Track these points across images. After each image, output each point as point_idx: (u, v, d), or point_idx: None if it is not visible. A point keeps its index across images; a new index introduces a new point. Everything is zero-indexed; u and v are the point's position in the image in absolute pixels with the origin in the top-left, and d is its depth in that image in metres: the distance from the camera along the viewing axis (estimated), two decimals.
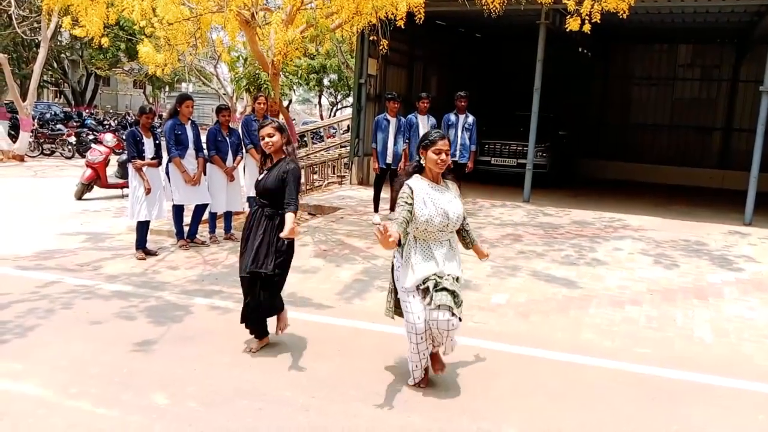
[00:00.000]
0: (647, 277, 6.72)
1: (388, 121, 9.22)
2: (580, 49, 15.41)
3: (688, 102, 17.45)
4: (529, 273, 6.69)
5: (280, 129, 4.46)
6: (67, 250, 7.27)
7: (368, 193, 10.93)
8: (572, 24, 7.85)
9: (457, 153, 9.72)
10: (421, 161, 3.92)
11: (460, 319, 3.78)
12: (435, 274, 3.78)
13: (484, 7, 8.19)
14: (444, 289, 3.72)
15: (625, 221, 10.01)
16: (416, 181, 3.89)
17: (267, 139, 4.41)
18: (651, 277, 6.73)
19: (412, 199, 3.78)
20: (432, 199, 3.81)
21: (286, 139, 4.48)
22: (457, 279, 3.89)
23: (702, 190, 15.19)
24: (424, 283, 3.78)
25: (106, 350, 4.42)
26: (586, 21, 7.71)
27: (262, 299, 4.38)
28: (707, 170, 16.63)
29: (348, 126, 16.87)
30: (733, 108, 16.88)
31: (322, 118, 37.20)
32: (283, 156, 4.47)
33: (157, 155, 7.13)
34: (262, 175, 4.51)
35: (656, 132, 17.77)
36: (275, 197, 4.38)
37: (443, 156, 3.84)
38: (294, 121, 13.64)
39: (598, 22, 7.70)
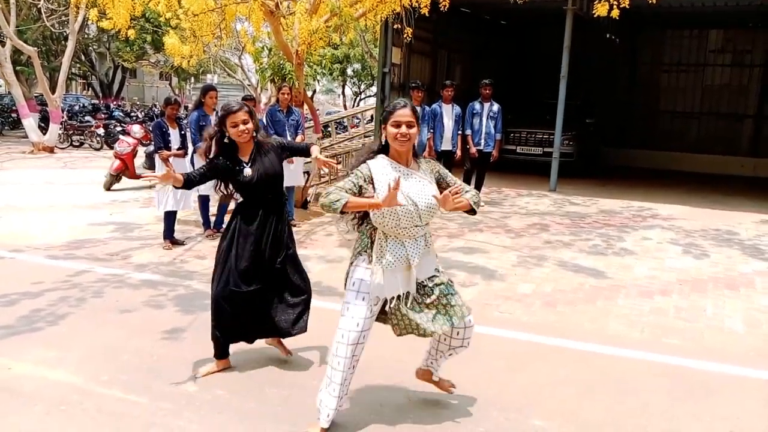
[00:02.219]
0: (677, 267, 6.62)
1: None
2: (607, 35, 15.15)
3: (719, 88, 17.08)
4: (555, 263, 6.63)
5: (251, 113, 3.83)
6: (97, 240, 7.39)
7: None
8: (600, 9, 7.72)
9: (482, 142, 9.65)
10: (381, 138, 3.19)
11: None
12: (408, 296, 3.14)
13: None
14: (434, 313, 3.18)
15: (654, 210, 9.86)
16: (378, 161, 3.16)
17: (243, 127, 3.76)
18: (680, 267, 6.62)
19: (369, 180, 3.08)
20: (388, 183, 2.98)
21: (255, 125, 3.88)
22: (434, 282, 3.21)
23: (733, 179, 14.89)
24: (390, 300, 3.14)
25: (136, 338, 4.49)
26: (615, 6, 7.58)
27: (301, 284, 4.04)
28: (739, 158, 16.29)
29: (371, 116, 16.83)
30: (765, 94, 16.48)
31: (345, 108, 37.21)
32: (254, 144, 3.89)
33: (183, 146, 7.20)
34: (248, 171, 3.82)
35: (686, 119, 17.44)
36: (277, 183, 3.95)
37: (403, 129, 3.07)
38: (318, 112, 13.65)
39: (627, 7, 7.56)
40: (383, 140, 3.19)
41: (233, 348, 4.30)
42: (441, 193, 3.09)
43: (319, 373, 3.95)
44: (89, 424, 3.34)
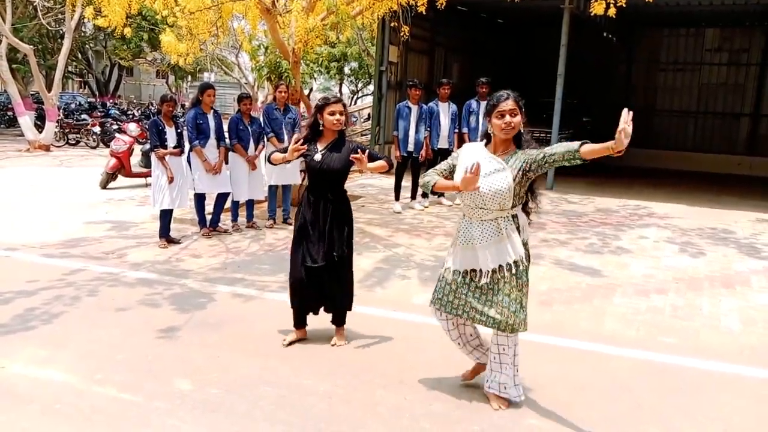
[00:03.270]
0: (673, 265, 6.62)
1: (410, 109, 9.17)
2: (604, 34, 15.17)
3: (716, 87, 17.10)
4: (552, 261, 6.63)
5: (345, 106, 4.28)
6: (93, 238, 7.37)
7: (389, 181, 10.91)
8: (597, 8, 7.72)
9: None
10: (488, 130, 3.43)
11: (513, 330, 3.37)
12: (465, 271, 3.41)
13: None
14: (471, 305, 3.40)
15: (651, 209, 9.88)
16: (471, 147, 3.50)
17: (338, 116, 4.17)
18: (677, 265, 6.63)
19: (455, 163, 3.46)
20: (467, 165, 3.26)
21: (346, 119, 4.29)
22: (502, 269, 3.36)
23: (730, 177, 14.92)
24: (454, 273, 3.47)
25: (131, 337, 4.48)
26: (611, 5, 7.58)
27: (342, 289, 4.33)
28: (735, 156, 16.33)
29: (368, 114, 16.83)
30: (762, 93, 16.51)
31: None
32: (338, 137, 4.27)
33: (179, 144, 7.17)
34: (318, 156, 4.21)
35: (682, 118, 17.48)
36: (340, 178, 4.30)
37: (507, 118, 3.28)
38: None
39: (624, 6, 7.57)
40: (489, 131, 3.40)
41: (230, 349, 4.30)
42: (523, 177, 3.31)
43: (315, 373, 3.95)
44: (83, 423, 3.33)
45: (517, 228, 3.41)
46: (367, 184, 11.72)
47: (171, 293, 5.47)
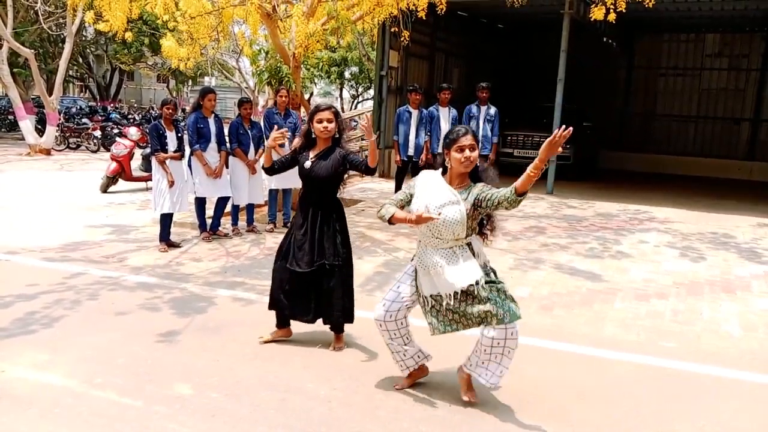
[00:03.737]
0: (673, 270, 6.62)
1: (410, 114, 9.19)
2: (604, 39, 15.19)
3: (716, 92, 17.12)
4: (552, 266, 6.63)
5: (337, 114, 4.28)
6: (93, 242, 7.37)
7: (389, 185, 10.93)
8: (597, 13, 7.73)
9: (479, 145, 9.65)
10: (445, 162, 3.49)
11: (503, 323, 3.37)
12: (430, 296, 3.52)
13: None
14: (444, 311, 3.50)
15: (651, 213, 9.87)
16: (429, 175, 3.57)
17: (326, 124, 4.19)
18: (677, 270, 6.63)
19: (411, 192, 3.57)
20: (425, 197, 3.45)
21: (339, 127, 4.31)
22: (465, 291, 3.42)
23: (730, 182, 14.92)
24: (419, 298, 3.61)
25: (131, 341, 4.48)
26: (611, 10, 7.59)
27: (336, 300, 4.29)
28: (735, 161, 16.34)
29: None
30: (762, 98, 16.53)
31: (343, 111, 37.20)
32: (331, 145, 4.30)
33: (180, 148, 7.18)
34: (308, 163, 4.27)
35: (683, 123, 17.49)
36: (327, 186, 4.30)
37: (466, 153, 3.36)
38: None
39: (623, 11, 7.57)
40: (447, 164, 3.47)
41: (230, 353, 4.30)
42: (474, 211, 3.40)
43: (315, 377, 3.95)
44: (83, 426, 3.32)
45: (473, 254, 3.51)
46: (368, 188, 11.73)
47: (171, 297, 5.47)
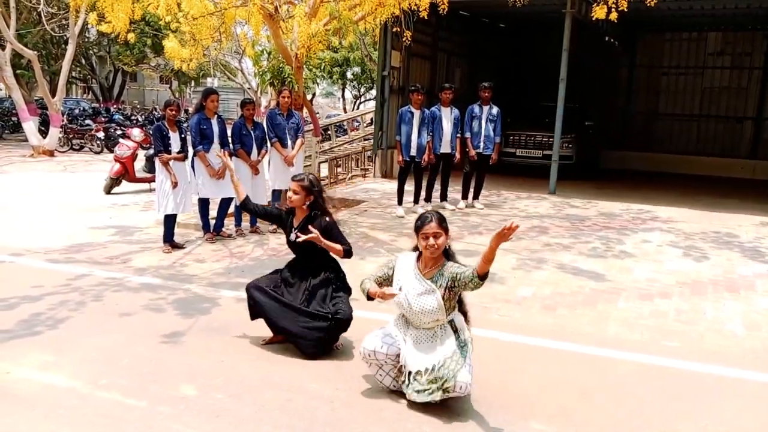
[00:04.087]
0: (676, 269, 6.62)
1: (412, 114, 9.18)
2: (606, 38, 15.17)
3: (718, 91, 17.09)
4: (555, 266, 6.63)
5: (305, 187, 4.31)
6: (97, 244, 7.39)
7: (392, 185, 10.93)
8: (598, 12, 7.72)
9: (482, 145, 9.67)
10: (419, 246, 3.63)
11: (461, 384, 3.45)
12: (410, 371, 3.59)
13: None
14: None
15: (654, 213, 9.87)
16: (406, 259, 3.71)
17: (291, 195, 4.34)
18: (680, 269, 6.62)
19: (392, 271, 3.73)
20: (405, 284, 3.60)
21: (313, 198, 4.34)
22: (433, 369, 3.50)
23: (733, 181, 14.90)
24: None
25: (136, 342, 4.49)
26: (613, 9, 7.58)
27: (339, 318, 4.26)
28: (738, 160, 16.31)
29: (371, 119, 16.87)
30: (764, 97, 16.49)
31: (345, 111, 37.27)
32: (310, 212, 4.37)
33: (183, 149, 7.20)
34: (293, 236, 4.35)
35: (685, 122, 17.46)
36: (314, 254, 4.33)
37: (431, 240, 3.50)
38: (318, 115, 13.67)
39: (625, 10, 7.56)
40: (420, 248, 3.61)
41: (234, 353, 4.31)
42: (450, 292, 3.55)
43: (319, 377, 3.96)
44: (87, 427, 3.34)
45: (455, 331, 3.63)
46: (371, 189, 11.74)
47: (175, 298, 5.48)
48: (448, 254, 3.66)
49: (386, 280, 3.73)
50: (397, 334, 3.71)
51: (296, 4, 8.77)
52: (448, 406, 3.61)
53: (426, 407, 3.59)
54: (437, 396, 3.47)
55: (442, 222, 3.56)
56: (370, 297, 3.68)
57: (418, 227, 3.57)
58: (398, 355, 3.68)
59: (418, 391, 3.53)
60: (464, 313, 3.76)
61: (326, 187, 11.19)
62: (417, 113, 9.19)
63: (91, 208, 9.70)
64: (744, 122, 16.89)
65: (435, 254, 3.56)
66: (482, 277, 3.40)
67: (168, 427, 3.35)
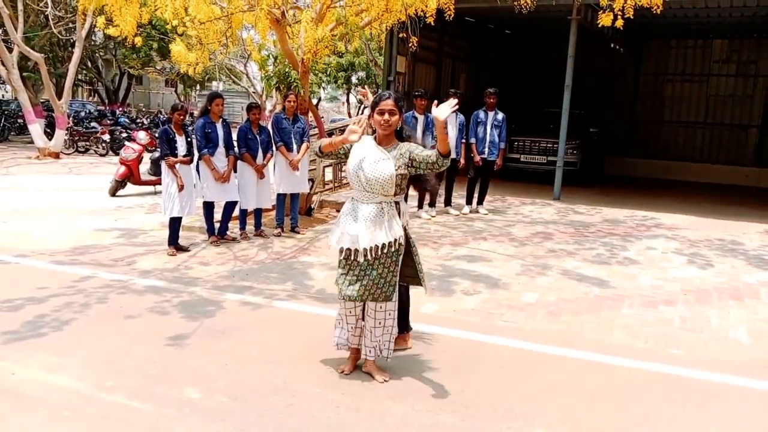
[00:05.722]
0: (681, 276, 6.60)
1: (416, 119, 9.20)
2: (612, 45, 15.19)
3: (724, 99, 17.08)
4: (559, 272, 6.63)
5: (399, 107, 3.84)
6: (102, 246, 7.41)
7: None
8: (604, 19, 7.74)
9: (486, 150, 9.68)
10: (373, 125, 3.88)
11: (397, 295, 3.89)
12: (347, 249, 3.81)
13: (516, 3, 8.13)
14: (354, 277, 3.80)
15: (658, 220, 9.85)
16: (364, 139, 3.86)
17: (387, 117, 3.76)
18: (685, 276, 6.61)
19: (349, 149, 3.90)
20: (358, 154, 3.79)
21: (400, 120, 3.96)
22: (383, 247, 3.74)
23: (737, 189, 14.87)
24: (341, 253, 3.89)
25: (140, 344, 4.50)
26: (619, 16, 7.60)
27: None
28: (743, 168, 16.28)
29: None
30: None
31: (349, 116, 37.32)
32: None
33: (189, 153, 7.23)
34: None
35: (690, 129, 17.45)
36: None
37: (386, 116, 3.72)
38: (322, 119, 13.68)
39: (631, 17, 7.58)
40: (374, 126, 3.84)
41: (238, 357, 4.32)
42: (408, 168, 3.76)
43: (323, 382, 3.96)
44: (92, 429, 3.35)
45: (398, 213, 3.85)
46: None
47: (180, 301, 5.50)
48: (401, 137, 3.89)
49: (344, 155, 3.90)
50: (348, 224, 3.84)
51: (303, 10, 8.80)
52: (451, 413, 3.61)
53: (431, 413, 3.59)
54: (365, 295, 3.79)
55: (398, 101, 3.78)
56: (322, 152, 3.91)
57: (376, 103, 3.77)
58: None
59: (350, 283, 3.81)
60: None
61: (330, 191, 11.21)
62: (421, 118, 9.21)
63: (96, 210, 9.73)
64: (749, 130, 16.88)
65: (387, 131, 3.77)
66: (446, 155, 3.61)
67: (173, 429, 3.36)
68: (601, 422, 3.59)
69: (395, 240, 3.77)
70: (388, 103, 3.73)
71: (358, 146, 3.84)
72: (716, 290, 6.17)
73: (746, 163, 16.51)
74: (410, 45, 9.62)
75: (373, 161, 3.74)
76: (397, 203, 3.85)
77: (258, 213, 8.07)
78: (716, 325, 5.24)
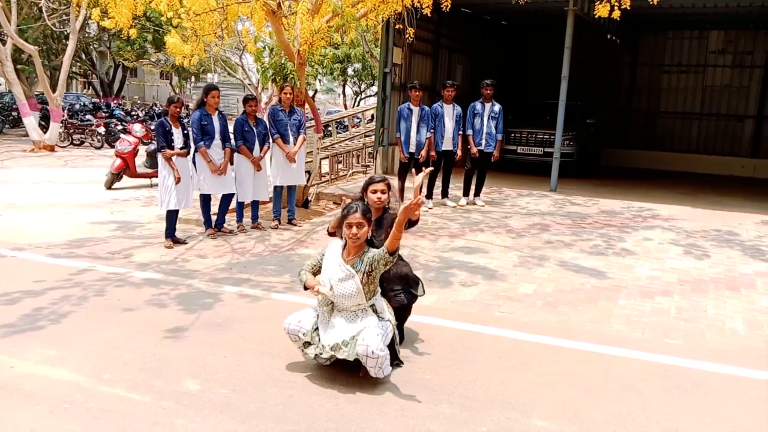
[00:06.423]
0: (677, 267, 6.63)
1: (411, 110, 9.19)
2: (608, 36, 15.17)
3: (720, 89, 17.09)
4: (556, 263, 6.64)
5: (389, 186, 4.47)
6: (98, 239, 7.40)
7: (392, 182, 10.91)
8: (601, 10, 7.73)
9: (483, 142, 9.67)
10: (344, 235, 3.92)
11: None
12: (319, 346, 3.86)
13: None
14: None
15: (655, 211, 9.87)
16: (334, 246, 3.96)
17: (379, 195, 4.37)
18: (681, 267, 6.63)
19: (322, 257, 3.99)
20: (329, 271, 3.87)
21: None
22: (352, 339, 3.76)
23: (733, 179, 14.91)
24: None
25: (138, 337, 4.50)
26: (616, 7, 7.59)
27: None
28: (739, 159, 16.34)
29: (372, 115, 16.85)
30: (765, 95, 16.49)
31: (346, 108, 37.25)
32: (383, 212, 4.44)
33: (186, 145, 7.21)
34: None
35: (686, 120, 17.46)
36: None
37: (354, 230, 3.75)
38: (319, 111, 13.65)
39: (628, 8, 7.57)
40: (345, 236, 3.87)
41: (237, 349, 4.32)
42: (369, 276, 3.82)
43: (321, 374, 3.97)
44: (91, 422, 3.35)
45: (375, 312, 3.90)
46: None
47: (177, 293, 5.49)
48: (372, 243, 3.95)
49: (319, 268, 4.00)
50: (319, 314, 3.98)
51: (299, 1, 8.76)
52: (449, 403, 3.62)
53: (429, 403, 3.60)
54: (349, 354, 3.70)
55: (365, 213, 3.80)
56: (306, 287, 3.97)
57: (344, 216, 3.80)
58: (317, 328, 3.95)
59: (332, 348, 3.79)
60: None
61: (327, 183, 11.21)
62: (416, 110, 9.19)
63: (92, 203, 9.70)
64: (745, 121, 16.90)
65: (356, 243, 3.82)
66: (392, 253, 3.68)
67: (172, 421, 3.36)
68: (598, 412, 3.60)
69: (367, 327, 3.77)
70: (356, 217, 3.75)
71: (328, 258, 3.94)
72: (712, 281, 6.19)
73: (742, 154, 16.54)
74: (407, 36, 9.59)
75: (339, 279, 3.83)
76: (372, 306, 3.92)
77: (255, 205, 8.06)
78: (712, 316, 5.27)
